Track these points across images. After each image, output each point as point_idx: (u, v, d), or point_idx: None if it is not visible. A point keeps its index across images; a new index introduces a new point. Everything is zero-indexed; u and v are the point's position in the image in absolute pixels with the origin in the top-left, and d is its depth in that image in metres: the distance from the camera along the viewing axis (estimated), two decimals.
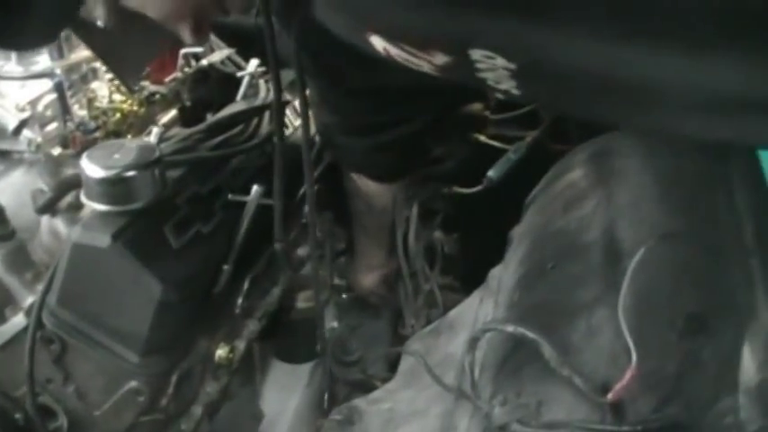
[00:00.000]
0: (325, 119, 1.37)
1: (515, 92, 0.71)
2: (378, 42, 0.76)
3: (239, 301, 1.29)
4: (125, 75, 1.19)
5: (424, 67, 0.74)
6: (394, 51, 0.75)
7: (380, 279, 1.61)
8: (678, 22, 0.57)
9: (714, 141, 0.79)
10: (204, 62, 1.47)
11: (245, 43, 1.55)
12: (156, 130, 1.19)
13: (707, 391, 0.66)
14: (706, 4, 0.55)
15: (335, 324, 1.62)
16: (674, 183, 0.94)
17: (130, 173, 1.05)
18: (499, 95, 0.75)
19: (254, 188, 1.20)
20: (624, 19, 0.58)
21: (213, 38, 1.54)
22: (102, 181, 1.04)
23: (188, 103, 1.44)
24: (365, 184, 1.51)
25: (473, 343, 0.89)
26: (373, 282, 1.62)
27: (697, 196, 0.87)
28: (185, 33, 0.98)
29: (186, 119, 1.42)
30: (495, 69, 0.68)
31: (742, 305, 0.66)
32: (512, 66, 0.66)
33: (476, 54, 0.66)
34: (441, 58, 0.71)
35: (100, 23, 0.91)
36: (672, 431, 0.69)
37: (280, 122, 1.14)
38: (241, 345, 1.31)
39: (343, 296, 1.65)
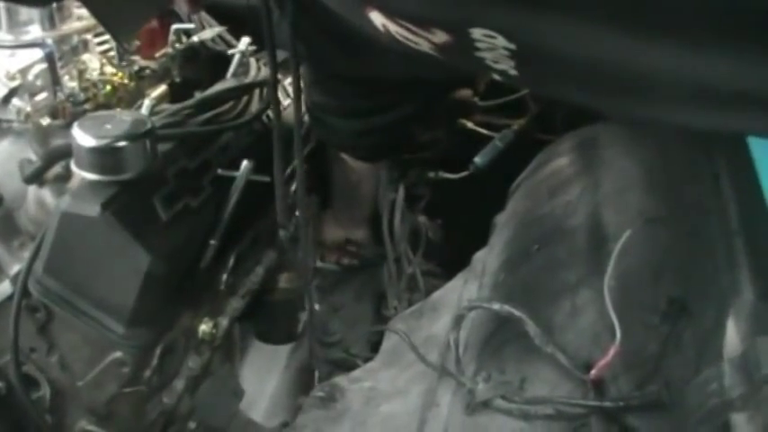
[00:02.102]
0: (316, 99, 1.38)
1: (512, 72, 0.71)
2: (377, 18, 0.76)
3: (224, 277, 1.30)
4: (118, 33, 1.19)
5: (423, 45, 0.75)
6: (393, 28, 0.76)
7: (344, 239, 1.63)
8: (673, 14, 0.58)
9: (707, 131, 0.80)
10: (195, 39, 1.47)
11: (236, 22, 1.55)
12: (147, 103, 1.19)
13: (686, 370, 0.68)
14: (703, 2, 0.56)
15: (317, 306, 1.63)
16: (658, 170, 0.96)
17: (121, 143, 1.05)
18: (495, 76, 0.75)
19: (244, 163, 1.21)
20: (621, 8, 0.59)
21: (204, 15, 1.55)
22: (93, 150, 1.04)
23: (177, 80, 1.43)
24: (350, 162, 1.53)
25: (458, 320, 0.90)
26: (337, 238, 1.64)
27: (682, 182, 0.89)
28: (180, 2, 0.99)
29: (175, 95, 1.41)
30: (494, 49, 0.68)
31: (725, 285, 0.67)
32: (511, 46, 0.67)
33: (476, 33, 0.67)
34: (441, 37, 0.72)
35: None
36: (652, 408, 0.71)
37: (276, 103, 1.14)
38: (224, 321, 1.32)
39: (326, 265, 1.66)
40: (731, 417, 0.57)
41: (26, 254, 1.14)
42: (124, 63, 1.38)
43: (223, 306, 1.33)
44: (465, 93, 1.56)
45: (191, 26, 1.49)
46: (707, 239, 0.76)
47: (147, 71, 1.41)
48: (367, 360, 1.26)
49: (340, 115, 1.41)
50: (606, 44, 0.63)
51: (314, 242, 1.64)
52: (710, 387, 0.57)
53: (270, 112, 1.37)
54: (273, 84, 1.14)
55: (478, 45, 0.70)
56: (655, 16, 0.59)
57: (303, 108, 1.35)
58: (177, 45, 1.45)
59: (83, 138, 1.05)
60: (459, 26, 0.69)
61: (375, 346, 1.34)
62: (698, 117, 0.68)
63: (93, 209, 1.04)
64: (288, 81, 1.49)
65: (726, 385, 0.57)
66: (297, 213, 1.49)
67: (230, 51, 1.45)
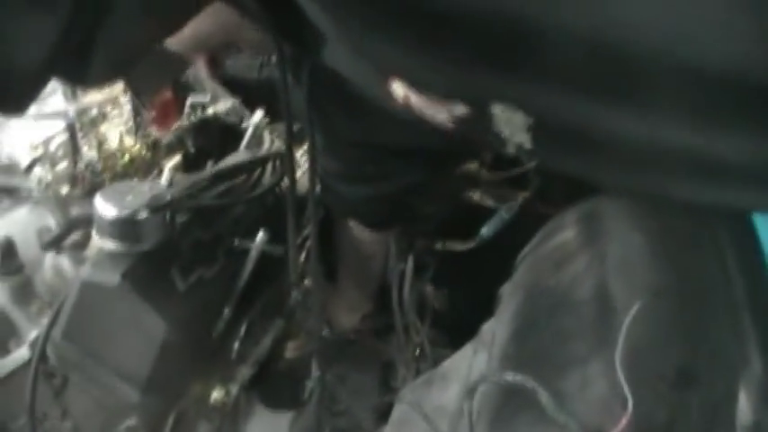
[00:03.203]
0: (324, 165, 1.41)
1: (528, 146, 0.75)
2: (398, 89, 0.79)
3: (235, 345, 1.32)
4: (142, 93, 1.23)
5: (441, 116, 0.78)
6: (414, 100, 0.79)
7: (357, 320, 1.64)
8: (678, 96, 0.62)
9: (716, 207, 0.83)
10: (209, 111, 1.51)
11: (249, 95, 1.60)
12: (166, 175, 1.22)
13: None
14: (706, 82, 0.60)
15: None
16: (664, 242, 0.98)
17: (142, 214, 1.08)
18: (510, 149, 0.78)
19: (260, 234, 1.24)
20: (634, 88, 0.62)
21: (218, 88, 1.60)
22: (115, 220, 1.08)
23: (191, 150, 1.48)
24: (357, 231, 1.55)
25: (470, 392, 0.92)
26: (351, 322, 1.65)
27: (687, 255, 0.92)
28: (201, 67, 1.03)
29: (189, 165, 1.45)
30: (511, 123, 0.72)
31: (734, 356, 0.70)
32: (529, 121, 0.70)
33: (496, 108, 0.71)
34: (460, 110, 0.75)
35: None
36: None
37: (292, 173, 1.17)
38: (234, 388, 1.34)
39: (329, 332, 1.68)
40: None
41: (44, 320, 1.17)
42: (141, 134, 1.43)
43: (234, 373, 1.35)
44: (472, 165, 1.60)
45: (205, 99, 1.54)
46: (713, 312, 0.78)
47: (163, 142, 1.45)
48: (375, 430, 1.27)
49: (347, 181, 1.44)
50: (620, 121, 0.66)
51: (321, 311, 1.66)
52: None
53: (281, 186, 1.41)
54: (289, 148, 1.17)
55: (496, 119, 0.73)
56: (666, 95, 0.62)
57: None
58: (192, 117, 1.50)
59: (105, 208, 1.08)
60: (480, 101, 0.73)
61: (382, 416, 1.35)
62: (708, 194, 0.71)
63: (112, 278, 1.07)
64: (299, 153, 1.53)
65: None
66: (306, 282, 1.53)
67: (244, 124, 1.49)
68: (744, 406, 0.62)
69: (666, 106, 0.63)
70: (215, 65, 1.07)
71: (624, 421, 0.73)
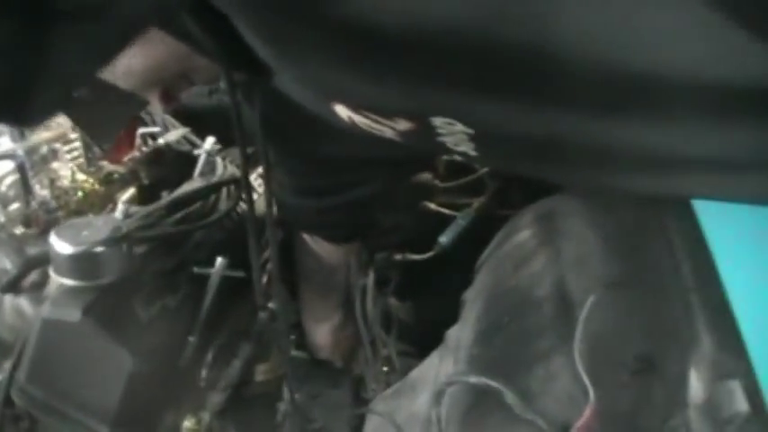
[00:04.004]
0: (280, 180, 1.42)
1: (473, 153, 0.77)
2: (342, 111, 0.81)
3: (203, 372, 1.32)
4: (98, 139, 1.23)
5: (387, 132, 0.80)
6: (358, 119, 0.81)
7: (329, 332, 1.65)
8: (624, 96, 0.64)
9: (656, 197, 0.86)
10: (161, 141, 1.51)
11: (200, 122, 1.61)
12: (121, 207, 1.22)
13: (658, 421, 0.72)
14: (650, 80, 0.62)
15: (296, 394, 1.64)
16: (615, 236, 1.01)
17: (99, 249, 1.08)
18: (456, 157, 0.80)
19: (219, 260, 1.25)
20: (572, 91, 0.64)
21: (168, 118, 1.60)
22: (72, 257, 1.08)
23: (146, 182, 1.48)
24: (317, 245, 1.56)
25: (438, 396, 0.93)
26: (323, 335, 1.65)
27: (638, 245, 0.94)
28: (155, 103, 1.03)
29: (144, 196, 1.45)
30: (454, 134, 0.74)
31: (685, 337, 0.72)
32: (470, 131, 0.72)
33: (437, 121, 0.72)
34: (403, 125, 0.77)
35: (75, 93, 0.95)
36: None
37: (249, 196, 1.18)
38: (206, 416, 1.33)
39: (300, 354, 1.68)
40: None
41: (6, 363, 1.16)
42: (93, 169, 1.43)
43: (204, 401, 1.34)
44: (425, 176, 1.62)
45: (156, 129, 1.54)
46: (665, 297, 0.80)
47: (116, 175, 1.45)
48: None
49: (303, 195, 1.45)
50: (561, 122, 0.68)
51: (287, 331, 1.66)
52: None
53: (238, 209, 1.42)
54: (245, 175, 1.18)
55: (439, 131, 0.75)
56: (610, 97, 0.64)
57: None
58: (144, 148, 1.50)
59: (61, 245, 1.08)
60: (421, 115, 0.74)
61: (356, 429, 1.36)
62: (647, 184, 0.74)
63: (74, 314, 1.06)
64: (253, 176, 1.54)
65: (693, 429, 0.61)
66: (271, 304, 1.53)
67: (196, 152, 1.49)
68: (695, 383, 0.64)
69: (615, 109, 0.65)
70: (169, 99, 1.07)
71: (588, 412, 0.75)
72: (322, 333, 1.67)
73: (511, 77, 0.65)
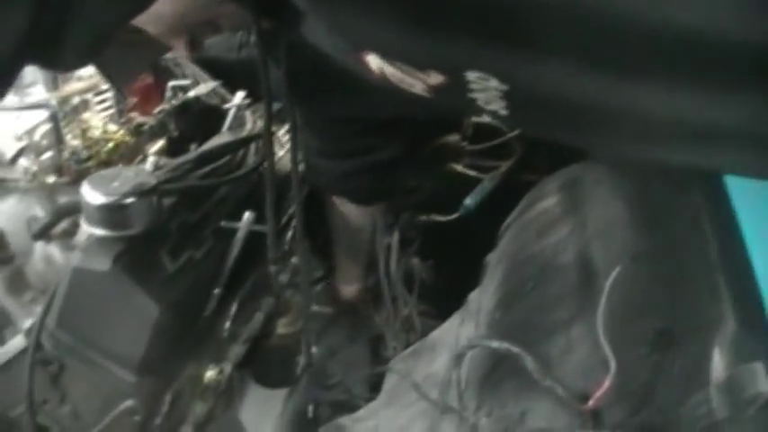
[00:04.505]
0: (308, 142, 1.43)
1: (503, 112, 0.75)
2: (374, 62, 0.80)
3: (226, 324, 1.34)
4: (116, 81, 1.24)
5: (417, 86, 0.79)
6: (389, 71, 0.80)
7: (358, 292, 1.67)
8: (655, 57, 0.63)
9: (686, 168, 0.85)
10: (190, 94, 1.52)
11: (229, 77, 1.61)
12: (151, 160, 1.23)
13: (676, 397, 0.73)
14: (681, 41, 0.61)
15: (315, 349, 1.67)
16: (642, 207, 1.01)
17: (129, 200, 1.10)
18: (485, 116, 0.80)
19: (246, 215, 1.26)
20: (607, 52, 0.63)
21: (198, 71, 1.60)
22: (103, 207, 1.09)
23: (174, 134, 1.49)
24: (344, 206, 1.57)
25: (458, 359, 0.95)
26: (351, 294, 1.68)
27: (665, 219, 0.94)
28: (181, 49, 1.04)
29: (172, 149, 1.47)
30: (487, 90, 0.73)
31: (709, 316, 0.73)
32: (504, 87, 0.71)
33: (471, 75, 0.72)
34: (435, 78, 0.76)
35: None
36: None
37: (270, 149, 1.18)
38: (228, 367, 1.36)
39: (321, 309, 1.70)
40: None
41: (37, 308, 1.18)
42: (123, 120, 1.44)
43: (226, 353, 1.36)
44: (453, 138, 1.62)
45: (186, 82, 1.54)
46: (690, 273, 0.81)
47: (145, 127, 1.46)
48: (368, 400, 1.30)
49: (329, 157, 1.46)
50: (594, 86, 0.68)
51: (309, 286, 1.68)
52: (700, 411, 0.62)
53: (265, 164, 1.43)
54: (268, 126, 1.18)
55: (472, 86, 0.74)
56: (640, 58, 0.64)
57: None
58: (173, 101, 1.50)
59: (92, 195, 1.09)
60: (455, 68, 0.74)
61: (374, 387, 1.38)
62: (680, 155, 0.73)
63: (103, 264, 1.08)
64: (281, 132, 1.54)
65: (714, 408, 0.62)
66: (293, 260, 1.54)
67: (226, 106, 1.50)
68: (717, 362, 0.65)
69: (646, 71, 0.64)
70: (195, 46, 1.07)
71: (607, 383, 0.76)
72: (350, 292, 1.69)
73: (548, 33, 0.64)
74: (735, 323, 0.69)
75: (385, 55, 0.79)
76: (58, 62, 0.81)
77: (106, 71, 1.23)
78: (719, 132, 0.66)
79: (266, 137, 1.19)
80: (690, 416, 0.64)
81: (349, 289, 1.69)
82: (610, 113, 0.70)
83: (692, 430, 0.64)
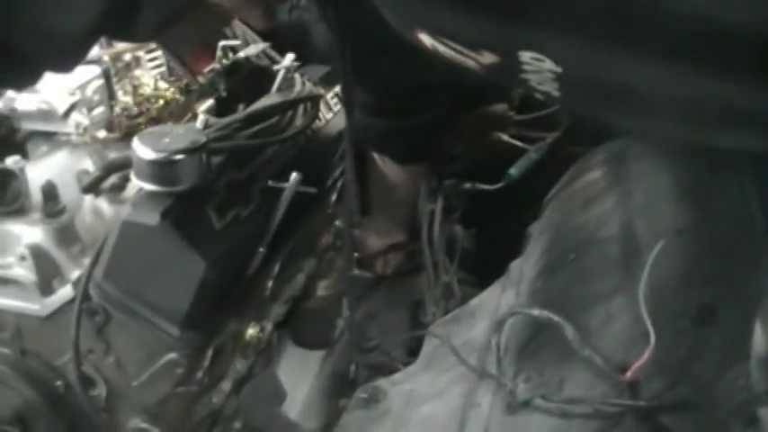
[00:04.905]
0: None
1: (555, 93, 0.76)
2: (426, 40, 0.81)
3: (269, 283, 1.36)
4: (183, 56, 1.25)
5: (469, 64, 0.80)
6: (442, 49, 0.80)
7: (384, 247, 1.67)
8: (705, 46, 0.63)
9: (733, 149, 0.85)
10: (240, 55, 1.53)
11: (279, 38, 1.62)
12: (201, 118, 1.25)
13: (715, 371, 0.73)
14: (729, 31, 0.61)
15: (354, 312, 1.68)
16: (687, 181, 1.00)
17: (179, 156, 1.11)
18: (538, 96, 0.80)
19: (293, 175, 1.27)
20: (658, 38, 0.63)
21: (249, 32, 1.61)
22: (153, 163, 1.11)
23: (224, 94, 1.50)
24: (384, 165, 1.58)
25: (499, 325, 0.96)
26: (379, 247, 1.68)
27: (710, 193, 0.94)
28: (257, 18, 1.04)
29: (221, 108, 1.48)
30: (540, 72, 0.73)
31: (752, 291, 0.73)
32: (558, 69, 0.72)
33: (525, 56, 0.72)
34: (489, 58, 0.76)
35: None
36: (682, 407, 0.76)
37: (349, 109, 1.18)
38: (268, 326, 1.38)
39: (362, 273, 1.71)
40: (758, 410, 0.62)
41: (86, 260, 1.21)
42: (174, 78, 1.46)
43: (267, 311, 1.39)
44: (500, 107, 1.61)
45: (236, 42, 1.55)
46: (735, 249, 0.81)
47: (195, 86, 1.48)
48: (406, 364, 1.31)
49: (375, 115, 1.46)
50: (646, 72, 0.68)
51: (351, 250, 1.69)
52: (738, 383, 0.63)
53: (313, 126, 1.44)
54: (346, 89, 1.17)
55: (525, 67, 0.74)
56: (693, 43, 0.63)
57: (340, 125, 1.40)
58: (224, 61, 1.52)
59: (143, 151, 1.11)
60: (509, 49, 0.74)
61: (413, 351, 1.39)
62: (725, 137, 0.73)
63: (152, 218, 1.10)
64: (330, 95, 1.55)
65: (753, 381, 0.62)
66: (337, 223, 1.56)
67: (275, 67, 1.51)
68: (759, 337, 0.65)
69: (693, 55, 0.64)
70: (270, 14, 1.08)
71: (646, 355, 0.76)
72: (378, 244, 1.69)
73: (603, 17, 0.64)
74: None
75: (437, 34, 0.80)
76: (133, 35, 0.83)
77: (170, 46, 1.25)
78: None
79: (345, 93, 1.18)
80: (728, 389, 0.65)
81: (378, 242, 1.69)
82: (659, 98, 0.70)
83: (729, 404, 0.64)
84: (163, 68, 1.45)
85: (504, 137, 1.62)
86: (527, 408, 0.87)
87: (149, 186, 1.12)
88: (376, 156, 1.59)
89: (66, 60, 0.94)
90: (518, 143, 1.59)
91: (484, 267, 1.44)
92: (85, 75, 1.32)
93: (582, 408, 0.82)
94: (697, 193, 0.97)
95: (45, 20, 0.78)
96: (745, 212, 0.83)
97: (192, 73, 1.49)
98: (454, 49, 0.79)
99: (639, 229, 1.00)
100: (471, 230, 1.68)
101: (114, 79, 1.36)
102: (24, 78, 1.07)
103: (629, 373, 0.79)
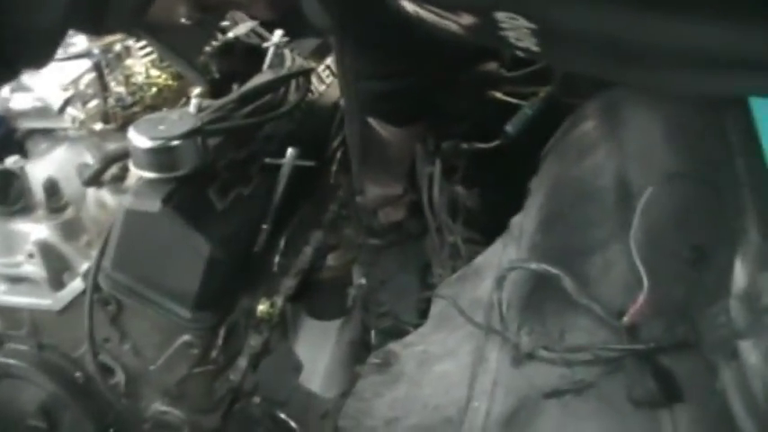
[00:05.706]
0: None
1: (535, 48, 0.78)
2: (409, 6, 0.83)
3: (276, 259, 1.38)
4: (187, 56, 1.27)
5: (452, 26, 0.82)
6: (424, 14, 0.82)
7: (384, 199, 1.67)
8: None
9: (714, 96, 0.86)
10: (230, 35, 1.53)
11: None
12: (194, 102, 1.26)
13: (704, 310, 0.75)
14: None
15: (364, 280, 1.70)
16: (677, 129, 1.01)
17: (175, 142, 1.13)
18: (519, 53, 0.81)
19: (290, 151, 1.29)
20: None
21: (236, 12, 1.61)
22: (150, 150, 1.12)
23: (216, 75, 1.51)
24: (381, 127, 1.58)
25: (499, 282, 0.97)
26: (376, 198, 1.68)
27: (697, 140, 0.95)
28: (261, 9, 1.05)
29: (215, 90, 1.49)
30: (517, 29, 0.75)
31: (734, 229, 0.74)
32: (532, 25, 0.73)
33: (500, 15, 0.74)
34: (467, 19, 0.78)
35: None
36: (680, 348, 0.77)
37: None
38: (279, 300, 1.40)
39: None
40: (738, 343, 0.64)
41: (93, 252, 1.23)
42: (165, 64, 1.47)
43: (277, 286, 1.41)
44: (491, 65, 1.61)
45: (225, 23, 1.56)
46: (719, 191, 0.82)
47: None
48: (417, 326, 1.33)
49: (365, 78, 1.47)
50: (619, 20, 0.69)
51: (357, 218, 1.70)
52: (719, 319, 0.64)
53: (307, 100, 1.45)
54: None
55: (502, 26, 0.76)
56: None
57: (334, 96, 1.41)
58: (214, 42, 1.52)
59: (139, 140, 1.13)
60: (484, 10, 0.75)
61: (423, 313, 1.41)
62: (706, 83, 0.74)
63: (154, 205, 1.12)
64: (321, 68, 1.56)
65: (733, 317, 0.63)
66: (340, 193, 1.57)
67: (265, 44, 1.51)
68: (739, 274, 0.66)
69: (671, 3, 0.65)
70: (277, 2, 1.09)
71: (641, 300, 0.78)
72: (376, 195, 1.69)
73: None
74: (757, 235, 0.70)
75: (419, 1, 0.81)
76: (101, 29, 0.84)
77: (173, 49, 1.26)
78: (745, 60, 0.67)
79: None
80: (710, 324, 0.66)
81: (375, 191, 1.68)
82: (635, 46, 0.71)
83: (712, 339, 0.65)
84: (154, 56, 1.46)
85: (498, 95, 1.62)
86: (532, 359, 0.89)
87: (148, 174, 1.14)
88: (372, 120, 1.59)
89: (40, 55, 0.97)
90: (512, 100, 1.59)
91: (488, 225, 1.45)
92: (77, 69, 1.33)
93: (583, 355, 0.83)
94: (685, 139, 0.98)
95: (20, 20, 0.79)
96: (726, 153, 0.84)
97: None
98: (435, 13, 0.80)
99: (632, 177, 1.01)
100: (474, 190, 1.69)
101: (106, 71, 1.37)
102: (4, 76, 1.09)
103: (626, 319, 0.80)
